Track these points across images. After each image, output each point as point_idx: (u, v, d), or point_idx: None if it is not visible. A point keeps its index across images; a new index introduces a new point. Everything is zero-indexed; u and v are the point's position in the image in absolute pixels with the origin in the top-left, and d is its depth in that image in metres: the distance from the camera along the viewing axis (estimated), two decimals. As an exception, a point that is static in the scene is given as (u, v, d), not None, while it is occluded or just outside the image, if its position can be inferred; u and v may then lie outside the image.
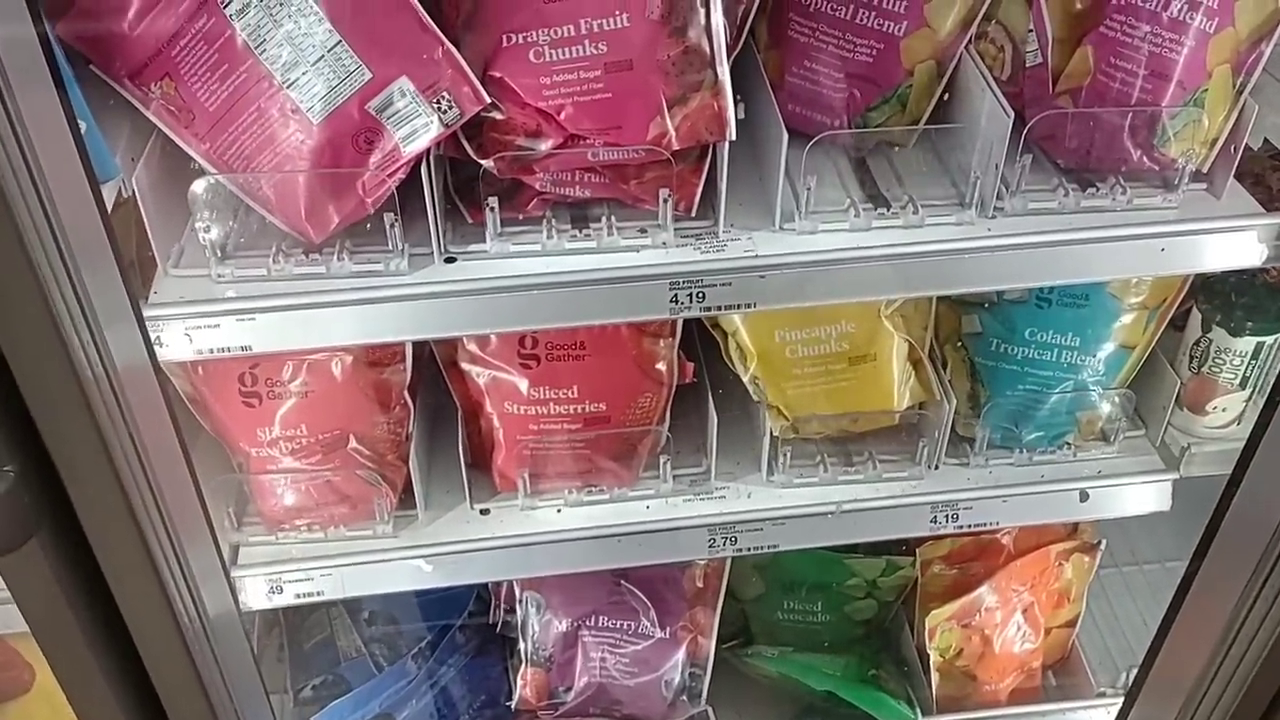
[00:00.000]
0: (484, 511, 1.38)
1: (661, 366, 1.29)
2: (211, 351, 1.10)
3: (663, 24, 1.05)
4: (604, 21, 1.05)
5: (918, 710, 1.62)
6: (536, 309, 1.12)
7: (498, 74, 1.07)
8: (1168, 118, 1.14)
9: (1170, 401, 1.39)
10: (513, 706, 1.63)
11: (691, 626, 1.59)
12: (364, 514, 1.34)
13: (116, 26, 1.02)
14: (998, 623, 1.61)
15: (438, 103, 1.04)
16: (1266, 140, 1.23)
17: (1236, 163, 1.17)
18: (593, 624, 1.59)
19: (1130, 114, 1.14)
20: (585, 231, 1.14)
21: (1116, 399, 1.39)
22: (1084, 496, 1.40)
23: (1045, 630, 1.67)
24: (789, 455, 1.37)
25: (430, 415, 1.40)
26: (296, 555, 1.33)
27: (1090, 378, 1.37)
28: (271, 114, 1.05)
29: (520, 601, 1.59)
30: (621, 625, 1.59)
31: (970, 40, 1.18)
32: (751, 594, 1.70)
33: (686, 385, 1.33)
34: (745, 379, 1.33)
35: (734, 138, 1.07)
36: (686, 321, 1.29)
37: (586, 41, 1.05)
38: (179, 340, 1.09)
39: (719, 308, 1.14)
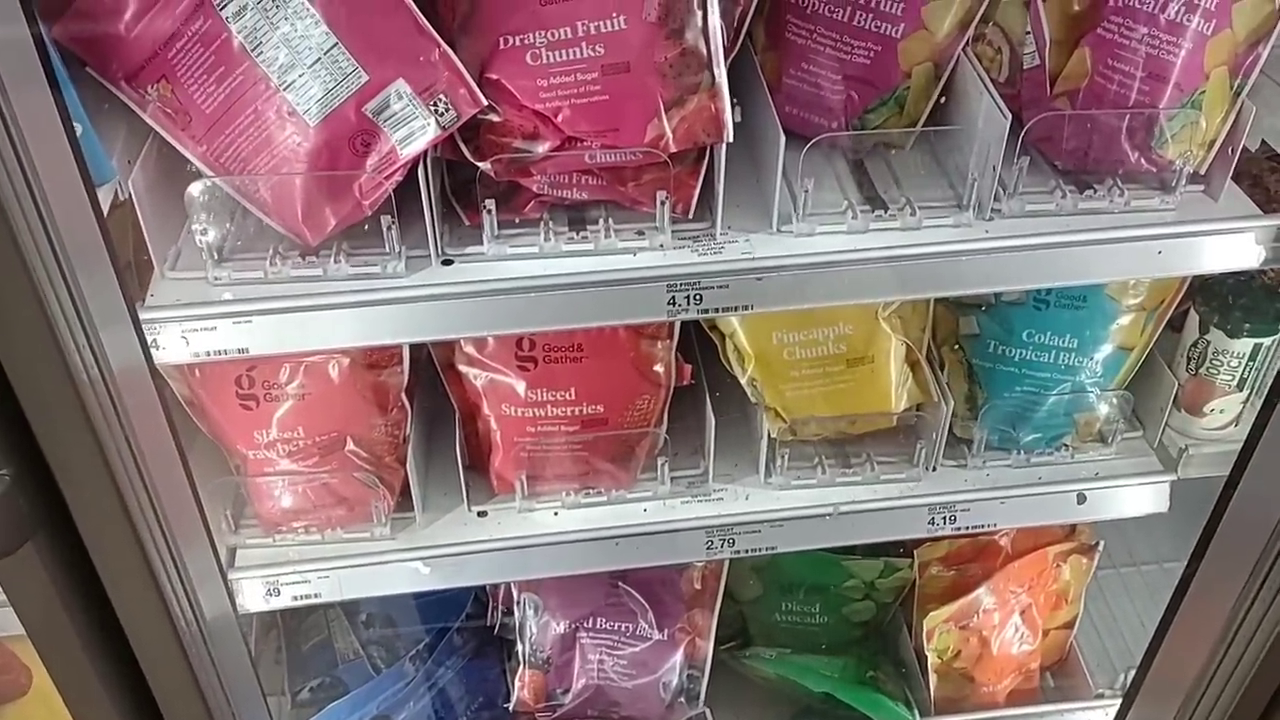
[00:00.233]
0: (481, 514, 1.38)
1: (659, 368, 1.29)
2: (208, 354, 1.10)
3: (660, 26, 1.05)
4: (601, 24, 1.05)
5: (916, 712, 1.62)
6: (534, 311, 1.12)
7: (494, 76, 1.06)
8: (1165, 119, 1.14)
9: (1168, 403, 1.39)
10: (510, 708, 1.62)
11: (689, 628, 1.59)
12: (361, 516, 1.34)
13: (112, 29, 1.02)
14: (995, 624, 1.61)
15: (434, 105, 1.04)
16: (1264, 142, 1.23)
17: (1234, 164, 1.17)
18: (591, 626, 1.59)
19: (1128, 116, 1.15)
20: (582, 234, 1.14)
21: (1114, 400, 1.39)
22: (1081, 498, 1.40)
23: (1043, 632, 1.67)
24: (787, 457, 1.37)
25: (428, 417, 1.40)
26: (294, 557, 1.33)
27: (1088, 379, 1.37)
28: (268, 116, 1.05)
29: (518, 603, 1.59)
30: (619, 627, 1.59)
31: (968, 42, 1.18)
32: (749, 596, 1.70)
33: (684, 387, 1.32)
34: (743, 381, 1.33)
35: (731, 140, 1.07)
36: (684, 323, 1.28)
37: (583, 44, 1.05)
38: (176, 343, 1.09)
39: (716, 310, 1.14)
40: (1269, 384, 1.35)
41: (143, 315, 1.05)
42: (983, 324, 1.36)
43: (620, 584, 1.58)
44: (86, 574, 1.06)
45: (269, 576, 1.32)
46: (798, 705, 1.71)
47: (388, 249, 1.11)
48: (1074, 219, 1.17)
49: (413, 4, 1.01)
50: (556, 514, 1.37)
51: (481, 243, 1.13)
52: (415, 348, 1.27)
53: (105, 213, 0.97)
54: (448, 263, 1.12)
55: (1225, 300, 1.34)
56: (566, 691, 1.60)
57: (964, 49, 1.18)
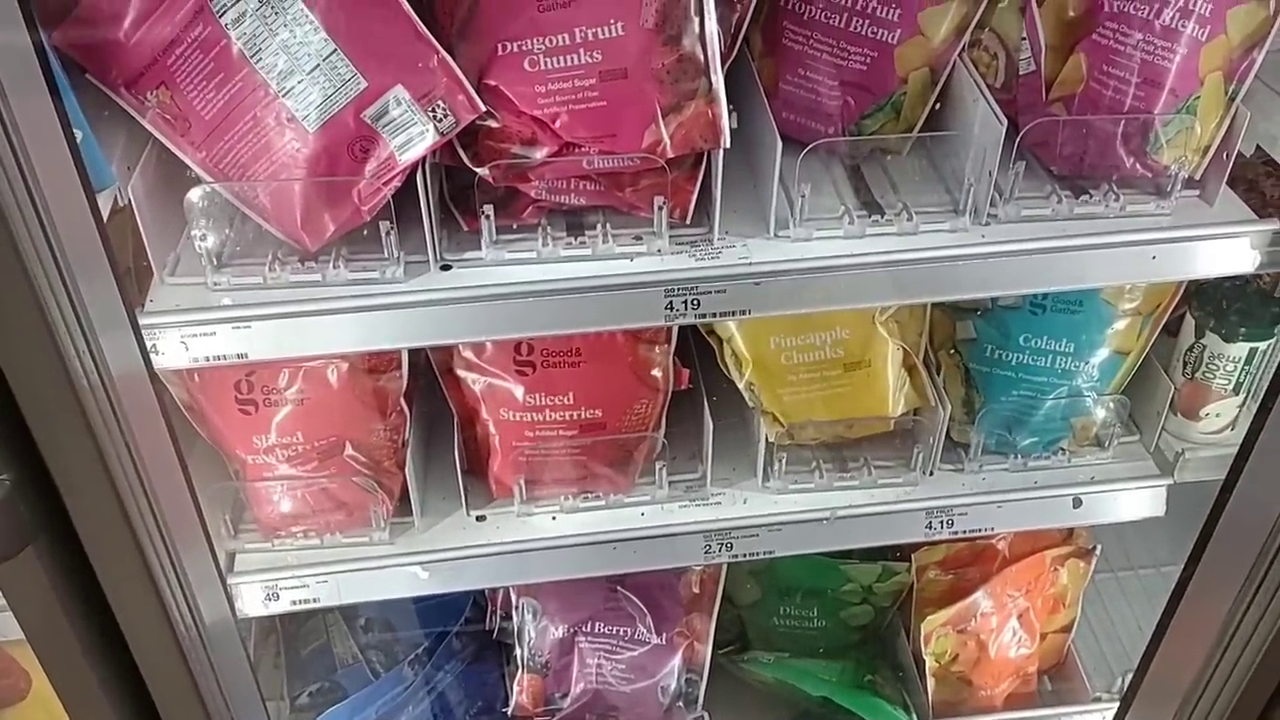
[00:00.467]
0: (480, 518, 1.38)
1: (657, 373, 1.29)
2: (207, 359, 1.10)
3: (657, 32, 1.05)
4: (599, 30, 1.05)
5: (914, 716, 1.63)
6: (532, 316, 1.13)
7: (493, 82, 1.07)
8: (1160, 125, 1.14)
9: (1164, 407, 1.39)
10: (509, 713, 1.62)
11: (688, 632, 1.59)
12: (360, 521, 1.34)
13: (112, 35, 1.03)
14: (993, 628, 1.61)
15: (433, 111, 1.04)
16: (1259, 147, 1.23)
17: (1229, 170, 1.17)
18: (589, 630, 1.59)
19: (1123, 121, 1.15)
20: (580, 239, 1.14)
21: (1111, 405, 1.39)
22: (1077, 503, 1.41)
23: (1041, 635, 1.68)
24: (784, 461, 1.38)
25: (426, 422, 1.41)
26: (293, 562, 1.33)
27: (1084, 384, 1.37)
28: (267, 122, 1.06)
29: (517, 608, 1.59)
30: (618, 631, 1.59)
31: (964, 48, 1.18)
32: (748, 600, 1.70)
33: (682, 392, 1.33)
34: (741, 385, 1.33)
35: (728, 145, 1.08)
36: (682, 328, 1.29)
37: (581, 50, 1.06)
38: (175, 348, 1.09)
39: (714, 315, 1.15)
40: (1265, 388, 1.35)
41: (142, 320, 1.06)
42: (979, 329, 1.37)
43: (619, 588, 1.59)
44: (86, 579, 1.07)
45: (268, 581, 1.32)
46: (796, 709, 1.71)
47: (386, 254, 1.11)
48: (1070, 224, 1.17)
49: (411, 11, 1.01)
50: (554, 518, 1.37)
51: (480, 248, 1.13)
52: (414, 352, 1.27)
53: (105, 218, 0.97)
54: (446, 268, 1.13)
55: (1221, 305, 1.34)
56: (565, 696, 1.60)
57: (960, 55, 1.18)
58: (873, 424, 1.39)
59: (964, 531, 1.42)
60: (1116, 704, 1.61)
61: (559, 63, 1.06)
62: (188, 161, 1.08)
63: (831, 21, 1.18)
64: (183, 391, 1.23)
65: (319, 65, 1.03)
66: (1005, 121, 1.10)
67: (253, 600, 1.33)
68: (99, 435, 0.96)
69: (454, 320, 1.12)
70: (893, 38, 1.17)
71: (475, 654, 1.68)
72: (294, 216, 1.09)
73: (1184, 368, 1.39)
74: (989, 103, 1.12)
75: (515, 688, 1.60)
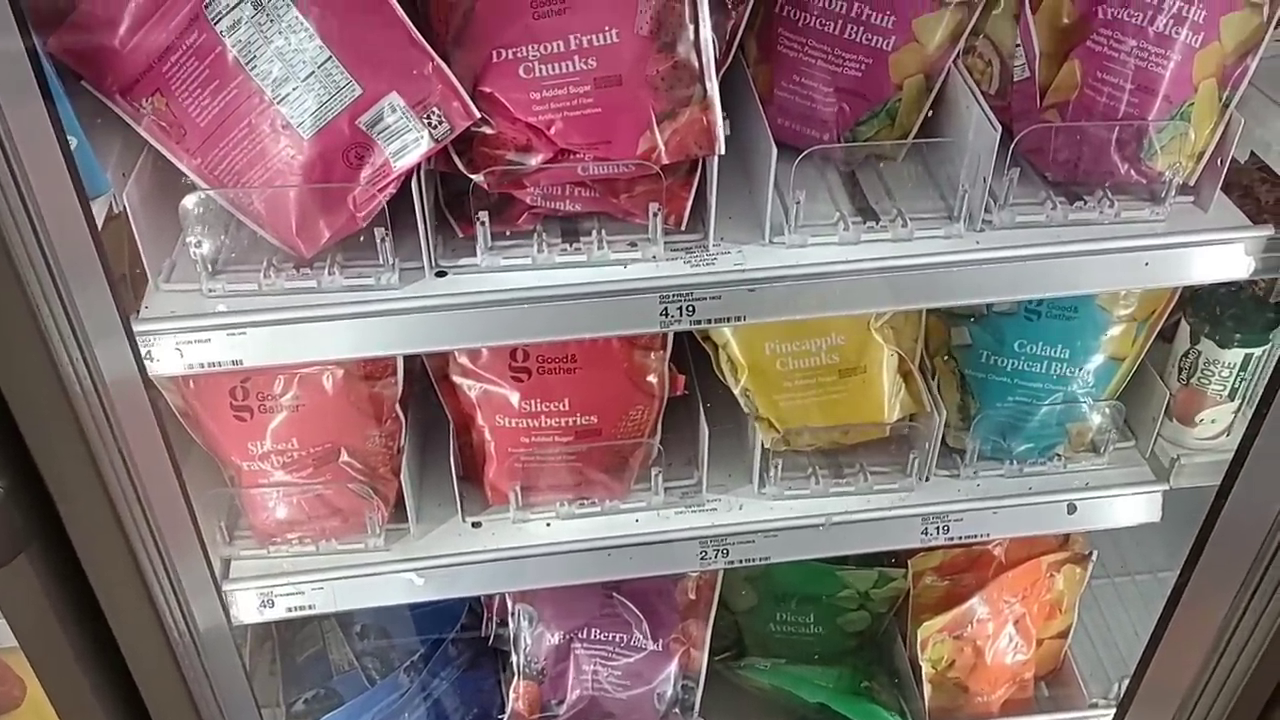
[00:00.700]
0: (476, 524, 1.38)
1: (653, 379, 1.29)
2: (202, 366, 1.10)
3: (651, 39, 1.05)
4: (593, 37, 1.05)
5: (910, 722, 1.63)
6: (527, 322, 1.13)
7: (488, 89, 1.07)
8: (1154, 131, 1.15)
9: (1160, 413, 1.39)
10: (505, 720, 1.62)
11: (684, 639, 1.59)
12: (355, 527, 1.34)
13: (108, 42, 1.03)
14: (990, 634, 1.61)
15: (428, 118, 1.04)
16: (1253, 153, 1.23)
17: (1223, 176, 1.17)
18: (585, 636, 1.59)
19: (1117, 128, 1.15)
20: (575, 245, 1.14)
21: (1106, 410, 1.39)
22: (1072, 508, 1.41)
23: (1037, 641, 1.68)
24: (780, 467, 1.38)
25: (422, 428, 1.40)
26: (288, 569, 1.33)
27: (1080, 389, 1.37)
28: (262, 129, 1.06)
29: (512, 614, 1.58)
30: (614, 638, 1.59)
31: (958, 55, 1.19)
32: (744, 606, 1.70)
33: (678, 398, 1.33)
34: (736, 391, 1.33)
35: (723, 152, 1.08)
36: (678, 334, 1.29)
37: (576, 57, 1.06)
38: (170, 355, 1.09)
39: (709, 321, 1.15)
40: (1260, 394, 1.35)
41: (137, 327, 1.05)
42: (975, 334, 1.37)
43: (615, 594, 1.58)
44: (80, 586, 1.07)
45: (263, 588, 1.32)
46: (793, 716, 1.71)
47: (381, 261, 1.11)
48: (1064, 230, 1.17)
49: (406, 18, 1.01)
50: (549, 525, 1.37)
51: (475, 254, 1.13)
52: (409, 359, 1.27)
53: (100, 225, 0.97)
54: (441, 274, 1.13)
55: (1216, 311, 1.35)
56: (561, 703, 1.60)
57: (954, 61, 1.18)
58: (868, 430, 1.39)
59: (960, 537, 1.42)
60: (1113, 710, 1.61)
61: (554, 70, 1.06)
62: (183, 168, 1.08)
63: (826, 28, 1.18)
64: (178, 398, 1.23)
65: (314, 72, 1.03)
66: (1000, 128, 1.10)
67: (248, 607, 1.32)
68: (92, 442, 0.96)
69: (449, 327, 1.12)
70: (888, 44, 1.17)
71: (471, 661, 1.68)
72: (289, 223, 1.09)
73: (1179, 373, 1.39)
74: (983, 109, 1.12)
75: (511, 694, 1.60)
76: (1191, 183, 1.19)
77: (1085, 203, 1.18)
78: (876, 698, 1.64)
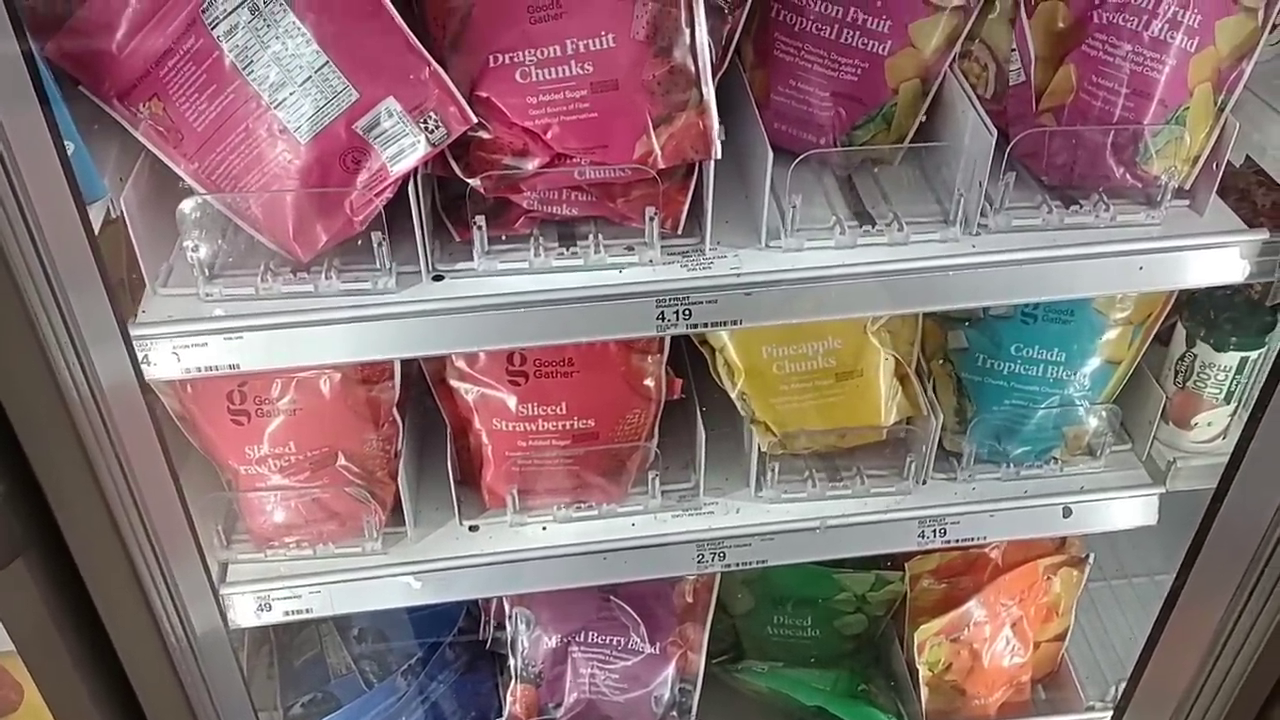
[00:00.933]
0: (473, 528, 1.38)
1: (650, 383, 1.30)
2: (199, 370, 1.10)
3: (648, 44, 1.06)
4: (590, 42, 1.05)
5: (908, 725, 1.63)
6: (524, 326, 1.13)
7: (484, 94, 1.07)
8: (1150, 135, 1.15)
9: (1156, 416, 1.39)
10: (503, 723, 1.62)
11: (681, 642, 1.59)
12: (353, 531, 1.34)
13: (105, 47, 1.03)
14: (986, 637, 1.61)
15: (424, 123, 1.04)
16: (1249, 157, 1.24)
17: (1218, 180, 1.18)
18: (582, 640, 1.59)
19: (1112, 132, 1.15)
20: (572, 249, 1.14)
21: (1103, 414, 1.40)
22: (1067, 512, 1.41)
23: (1034, 644, 1.68)
24: (777, 471, 1.38)
25: (419, 432, 1.41)
26: (285, 572, 1.33)
27: (1076, 393, 1.37)
28: (259, 134, 1.06)
29: (510, 618, 1.58)
30: (611, 641, 1.59)
31: (954, 59, 1.19)
32: (741, 609, 1.70)
33: (675, 401, 1.33)
34: (733, 395, 1.33)
35: (719, 156, 1.08)
36: (675, 338, 1.29)
37: (572, 62, 1.06)
38: (167, 359, 1.09)
39: (705, 325, 1.15)
40: (1256, 397, 1.36)
41: (134, 331, 1.06)
42: (971, 338, 1.37)
43: (612, 598, 1.58)
44: (77, 591, 1.07)
45: (260, 591, 1.32)
46: (790, 719, 1.71)
47: (379, 265, 1.11)
48: (1060, 234, 1.17)
49: (403, 23, 1.02)
50: (544, 529, 1.37)
51: (472, 258, 1.13)
52: (406, 363, 1.27)
53: (97, 230, 0.97)
54: (438, 278, 1.13)
55: (1212, 314, 1.35)
56: (559, 706, 1.60)
57: (950, 66, 1.19)
58: (865, 433, 1.39)
59: (956, 540, 1.43)
60: (1110, 712, 1.61)
61: (550, 74, 1.07)
62: (180, 173, 1.08)
63: (823, 33, 1.18)
64: (175, 402, 1.23)
65: (311, 77, 1.03)
66: (995, 132, 1.10)
67: (245, 611, 1.32)
68: (89, 446, 0.96)
69: (446, 330, 1.12)
70: (884, 49, 1.17)
71: (468, 664, 1.68)
72: (286, 227, 1.09)
73: (1175, 377, 1.39)
74: (979, 113, 1.12)
75: (509, 698, 1.60)
76: (1187, 187, 1.19)
77: (1081, 206, 1.18)
78: (874, 701, 1.64)
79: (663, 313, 1.13)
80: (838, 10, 1.17)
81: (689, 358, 1.39)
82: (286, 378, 1.23)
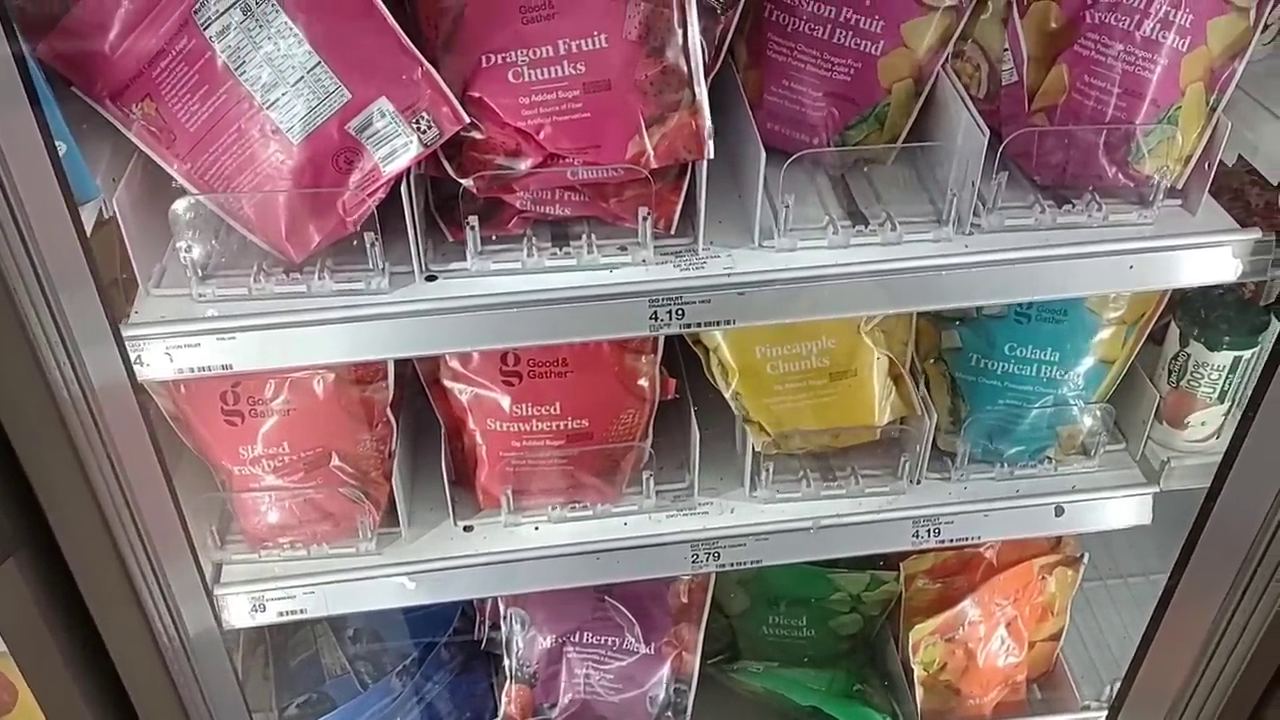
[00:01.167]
0: (467, 528, 1.38)
1: (644, 383, 1.30)
2: (192, 370, 1.10)
3: (640, 44, 1.06)
4: (582, 42, 1.06)
5: (903, 725, 1.63)
6: (517, 326, 1.13)
7: (477, 94, 1.07)
8: (1142, 135, 1.15)
9: (1150, 415, 1.39)
10: (498, 723, 1.62)
11: (676, 642, 1.59)
12: (347, 531, 1.34)
13: (98, 48, 1.03)
14: (981, 637, 1.61)
15: (417, 123, 1.05)
16: (1241, 157, 1.24)
17: (1211, 179, 1.18)
18: (577, 640, 1.59)
19: (1105, 131, 1.15)
20: (565, 249, 1.14)
21: (1097, 413, 1.40)
22: (1059, 511, 1.41)
23: (1029, 644, 1.68)
24: (771, 471, 1.38)
25: (413, 432, 1.41)
26: (279, 573, 1.33)
27: (1070, 392, 1.37)
28: (252, 134, 1.06)
29: (505, 618, 1.58)
30: (606, 641, 1.59)
31: (947, 59, 1.19)
32: (737, 609, 1.70)
33: (669, 401, 1.33)
34: (727, 395, 1.33)
35: (712, 156, 1.08)
36: (669, 338, 1.29)
37: (565, 62, 1.06)
38: (160, 359, 1.09)
39: (699, 325, 1.15)
40: (1249, 396, 1.36)
41: (127, 332, 1.05)
42: (965, 337, 1.37)
43: (607, 598, 1.58)
44: (69, 592, 1.07)
45: (254, 592, 1.32)
46: (785, 719, 1.71)
47: (371, 265, 1.11)
48: (1053, 233, 1.17)
49: (395, 23, 1.02)
50: (536, 529, 1.37)
51: (465, 258, 1.13)
52: (400, 363, 1.27)
53: (90, 230, 0.97)
54: (431, 279, 1.13)
55: (1205, 313, 1.35)
56: (554, 706, 1.60)
57: (943, 66, 1.19)
58: (859, 433, 1.39)
59: (950, 540, 1.43)
60: (1105, 711, 1.61)
61: (543, 74, 1.07)
62: (172, 173, 1.08)
63: (815, 33, 1.18)
64: (169, 403, 1.23)
65: (303, 77, 1.03)
66: (988, 132, 1.10)
67: (239, 611, 1.32)
68: (80, 447, 0.96)
69: (439, 331, 1.12)
70: (876, 49, 1.17)
71: (463, 664, 1.68)
72: (279, 228, 1.09)
73: (1169, 376, 1.40)
74: (972, 113, 1.12)
75: (504, 698, 1.60)
76: (1179, 186, 1.19)
77: (1074, 206, 1.18)
78: (869, 700, 1.65)
79: (656, 313, 1.13)
80: (830, 10, 1.17)
81: (683, 358, 1.39)
82: (280, 378, 1.23)
